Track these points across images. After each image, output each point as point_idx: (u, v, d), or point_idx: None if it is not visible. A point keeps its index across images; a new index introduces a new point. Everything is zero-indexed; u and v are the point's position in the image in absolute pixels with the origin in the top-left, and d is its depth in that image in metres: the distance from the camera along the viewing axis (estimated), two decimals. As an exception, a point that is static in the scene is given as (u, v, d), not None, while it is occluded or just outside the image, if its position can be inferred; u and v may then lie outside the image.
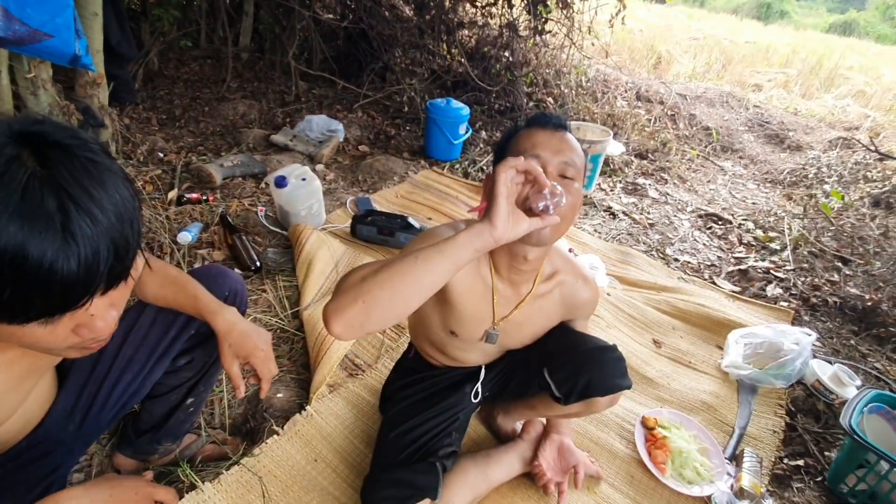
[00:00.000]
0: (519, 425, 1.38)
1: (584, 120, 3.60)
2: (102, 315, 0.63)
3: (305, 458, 1.23)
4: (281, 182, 2.02)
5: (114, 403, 0.92)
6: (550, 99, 3.77)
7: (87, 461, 1.21)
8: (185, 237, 1.87)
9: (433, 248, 0.76)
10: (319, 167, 2.75)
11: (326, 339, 1.52)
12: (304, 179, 2.08)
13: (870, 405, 1.36)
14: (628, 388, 1.08)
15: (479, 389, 1.20)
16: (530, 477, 1.28)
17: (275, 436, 1.26)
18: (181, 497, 1.07)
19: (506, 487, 1.25)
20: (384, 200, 2.53)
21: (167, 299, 0.95)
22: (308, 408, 1.34)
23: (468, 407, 1.22)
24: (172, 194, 2.17)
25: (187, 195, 2.18)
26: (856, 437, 1.21)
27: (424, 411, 1.16)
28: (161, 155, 2.57)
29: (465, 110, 2.97)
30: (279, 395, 1.40)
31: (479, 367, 1.22)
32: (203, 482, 1.11)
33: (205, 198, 2.20)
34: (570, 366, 1.07)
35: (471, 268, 1.03)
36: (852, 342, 1.97)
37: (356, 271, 0.80)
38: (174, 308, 0.95)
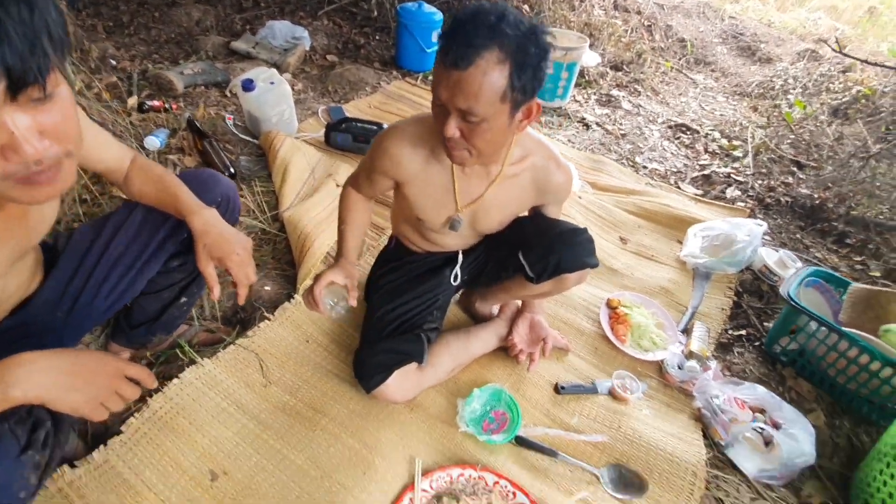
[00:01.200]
0: (495, 309, 1.49)
1: (560, 27, 3.49)
2: (27, 138, 0.56)
3: (298, 340, 1.32)
4: (248, 86, 1.94)
5: (104, 297, 0.94)
6: (527, 6, 3.61)
7: (81, 349, 1.26)
8: (153, 142, 1.81)
9: None
10: (287, 76, 2.62)
11: (309, 236, 1.55)
12: (272, 83, 2.00)
13: (807, 279, 1.52)
14: (595, 266, 1.18)
15: (458, 273, 1.28)
16: (506, 351, 1.42)
17: (266, 321, 1.33)
18: (181, 372, 1.14)
19: (484, 359, 1.38)
20: (357, 111, 2.47)
21: (150, 196, 0.95)
22: (296, 296, 1.40)
23: (448, 289, 1.30)
24: (132, 101, 2.06)
25: (149, 103, 2.07)
26: (792, 303, 1.37)
27: (407, 293, 1.24)
28: (114, 63, 2.40)
29: (439, 16, 2.83)
30: (266, 289, 1.46)
31: (457, 253, 1.29)
32: (202, 359, 1.18)
33: (167, 106, 2.10)
34: (543, 247, 1.15)
35: (424, 162, 1.06)
36: (798, 236, 2.14)
37: None
38: (157, 206, 0.95)
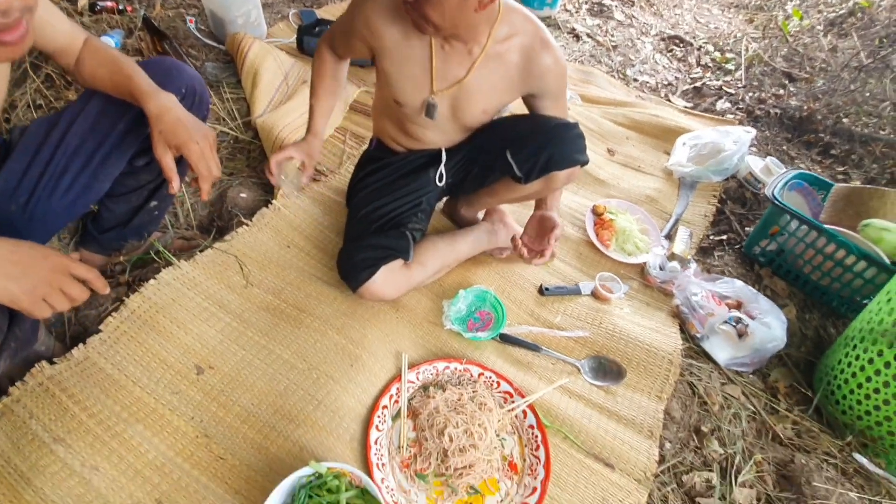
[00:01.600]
0: (481, 215, 1.47)
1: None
2: None
3: (278, 245, 1.28)
4: (208, -20, 1.75)
5: (63, 192, 0.88)
6: None
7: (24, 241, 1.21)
8: (108, 42, 1.65)
9: None
10: (251, -23, 2.38)
11: (284, 142, 1.47)
12: (234, -22, 1.81)
13: (791, 182, 1.52)
14: (585, 162, 1.14)
15: (443, 172, 1.23)
16: (490, 254, 1.42)
17: (244, 226, 1.28)
18: (158, 273, 1.11)
19: (470, 263, 1.37)
20: (330, 15, 2.28)
21: (104, 80, 0.87)
22: (274, 202, 1.35)
23: (433, 191, 1.26)
24: (83, 0, 1.86)
25: (101, 3, 1.87)
26: (776, 202, 1.38)
27: (390, 193, 1.19)
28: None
29: None
30: (243, 196, 1.40)
31: (440, 151, 1.23)
32: (179, 261, 1.14)
33: (122, 7, 1.90)
34: (532, 145, 1.10)
35: (403, 34, 1.00)
36: (784, 147, 2.13)
37: None
38: (112, 92, 0.87)
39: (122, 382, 0.96)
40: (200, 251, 1.19)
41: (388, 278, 1.15)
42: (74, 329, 1.09)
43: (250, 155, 1.56)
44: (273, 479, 0.85)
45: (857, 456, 1.09)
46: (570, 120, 1.12)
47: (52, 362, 0.95)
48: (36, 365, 0.93)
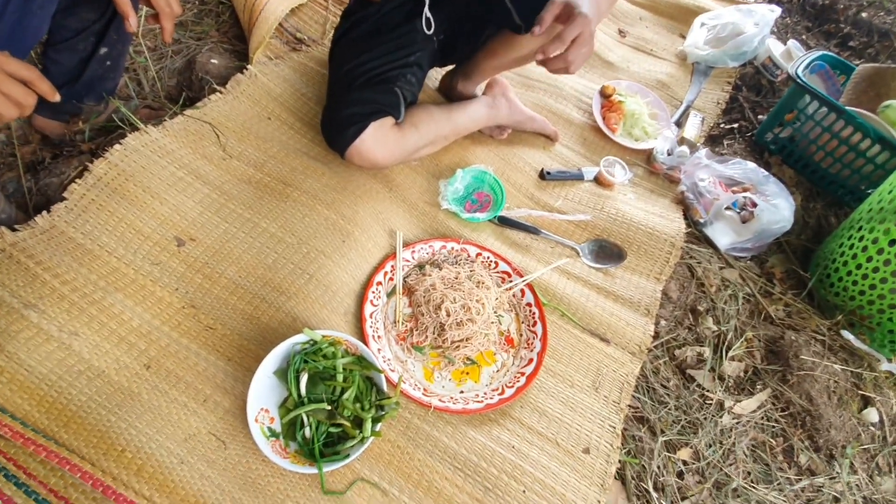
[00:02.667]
0: (479, 91, 1.34)
1: None
2: None
3: (258, 116, 1.16)
4: None
5: None
6: None
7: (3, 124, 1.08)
8: None
9: None
10: None
11: (257, 2, 1.29)
12: None
13: (813, 63, 1.41)
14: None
15: (429, 17, 1.06)
16: (490, 135, 1.32)
17: (217, 94, 1.15)
18: (123, 139, 0.99)
19: (467, 142, 1.28)
20: None
21: None
22: (251, 67, 1.20)
23: (423, 48, 1.09)
24: None
25: None
26: (799, 81, 1.28)
27: (375, 47, 1.04)
28: None
29: None
30: (214, 62, 1.24)
31: None
32: (147, 126, 1.02)
33: None
34: None
35: None
36: (804, 36, 1.98)
37: None
38: None
39: (95, 252, 0.88)
40: (170, 118, 1.07)
41: (379, 138, 1.03)
42: (36, 199, 0.99)
43: (220, 18, 1.37)
44: (266, 348, 0.83)
45: (845, 333, 1.12)
46: None
47: (13, 230, 0.87)
48: (-8, 229, 0.85)
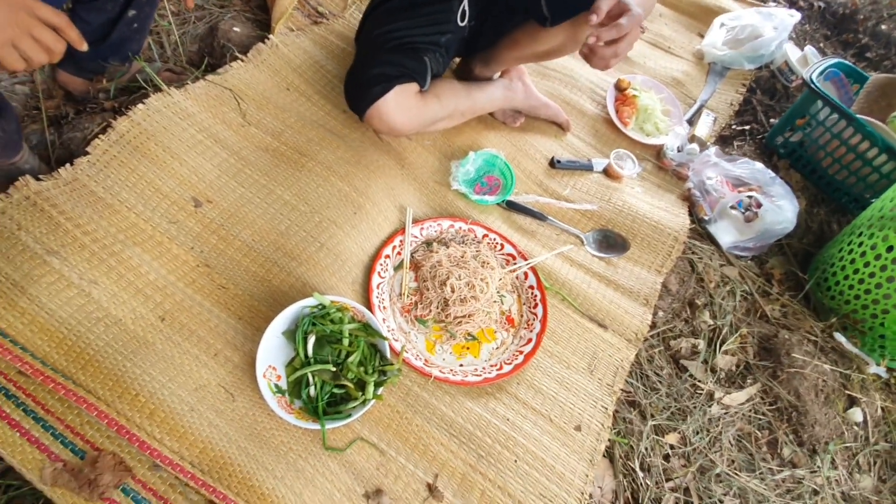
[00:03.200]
0: (496, 77, 1.35)
1: None
2: None
3: (277, 86, 1.18)
4: None
5: None
6: None
7: (28, 76, 1.10)
8: None
9: None
10: None
11: (282, -28, 1.30)
12: None
13: (828, 70, 1.42)
14: None
15: (466, 9, 1.09)
16: (503, 122, 1.34)
17: (238, 61, 1.16)
18: (146, 99, 1.01)
19: (480, 125, 1.30)
20: None
21: None
22: (272, 37, 1.22)
23: (453, 32, 1.10)
24: None
25: None
26: (812, 86, 1.29)
27: (409, 18, 1.05)
28: None
29: None
30: (236, 30, 1.25)
31: None
32: (170, 88, 1.04)
33: None
34: None
35: None
36: (821, 45, 1.98)
37: None
38: None
39: (115, 207, 0.91)
40: (192, 82, 1.09)
41: (402, 102, 1.04)
42: (59, 152, 1.02)
43: (243, -13, 1.38)
44: (276, 309, 0.86)
45: (837, 335, 1.15)
46: None
47: (38, 179, 0.89)
48: (20, 178, 0.87)
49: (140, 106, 0.99)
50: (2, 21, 0.58)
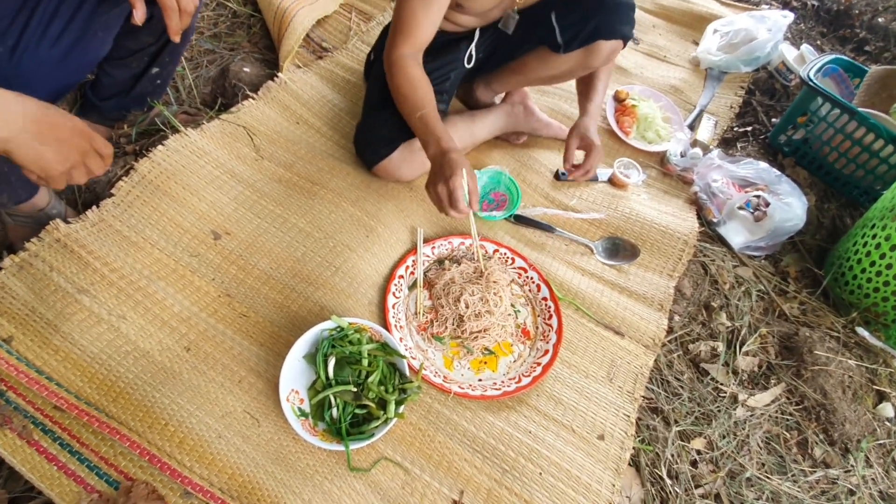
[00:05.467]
0: (497, 99, 1.39)
1: None
2: None
3: (287, 121, 1.23)
4: None
5: (53, 40, 0.80)
6: None
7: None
8: None
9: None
10: None
11: (287, 12, 1.37)
12: None
13: (826, 67, 1.43)
14: (629, 38, 1.07)
15: (473, 53, 1.14)
16: (506, 140, 1.37)
17: (250, 100, 1.22)
18: (165, 140, 1.06)
19: (484, 145, 1.33)
20: None
21: None
22: (281, 75, 1.27)
23: (459, 70, 1.17)
24: None
25: None
26: (811, 83, 1.30)
27: None
28: None
29: None
30: (246, 70, 1.32)
31: (474, 30, 1.13)
32: (186, 128, 1.10)
33: None
34: (581, 10, 1.03)
35: None
36: (818, 42, 1.99)
37: None
38: None
39: (140, 244, 0.95)
40: (207, 122, 1.14)
41: (406, 157, 1.11)
42: (85, 196, 1.07)
43: (251, 30, 1.46)
44: (296, 334, 0.88)
45: (860, 329, 1.13)
46: None
47: (67, 222, 0.94)
48: (50, 223, 0.92)
49: (160, 147, 1.05)
50: (72, 148, 0.63)
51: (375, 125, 1.09)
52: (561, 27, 1.04)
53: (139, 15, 0.79)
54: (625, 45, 1.09)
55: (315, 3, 1.46)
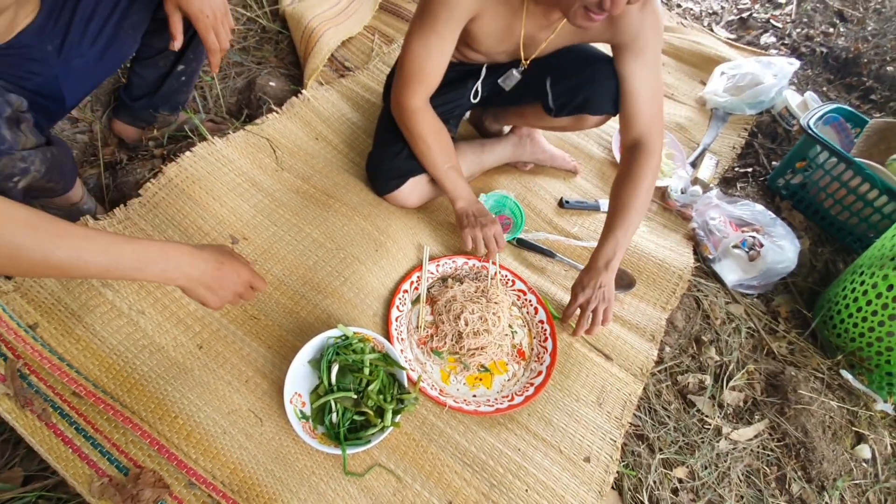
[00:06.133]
0: (506, 129, 1.46)
1: None
2: None
3: (308, 136, 1.29)
4: None
5: (93, 37, 0.88)
6: None
7: (87, 126, 1.23)
8: None
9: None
10: None
11: (314, 32, 1.44)
12: None
13: (827, 115, 1.49)
14: (614, 114, 1.12)
15: (479, 89, 1.20)
16: (513, 166, 1.43)
17: (274, 113, 1.29)
18: (192, 147, 1.13)
19: (491, 170, 1.39)
20: None
21: None
22: (304, 92, 1.34)
23: (465, 104, 1.24)
24: None
25: None
26: (810, 132, 1.36)
27: None
28: None
29: None
30: (271, 84, 1.39)
31: (482, 66, 1.20)
32: (213, 137, 1.16)
33: None
34: (573, 79, 1.08)
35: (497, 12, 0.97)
36: (824, 89, 2.05)
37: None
38: None
39: (161, 244, 1.01)
40: (233, 132, 1.21)
41: (415, 189, 1.18)
42: (113, 195, 1.13)
43: (278, 45, 1.53)
44: (303, 339, 0.93)
45: (844, 372, 1.16)
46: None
47: (95, 218, 1.00)
48: (80, 218, 0.98)
49: (187, 153, 1.11)
50: (230, 293, 0.78)
51: (386, 158, 1.16)
52: (553, 94, 1.11)
53: (177, 45, 0.90)
54: (614, 115, 1.13)
55: (341, 24, 1.54)
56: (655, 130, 1.06)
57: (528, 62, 1.09)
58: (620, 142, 1.14)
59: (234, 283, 0.79)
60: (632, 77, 1.02)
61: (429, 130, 1.08)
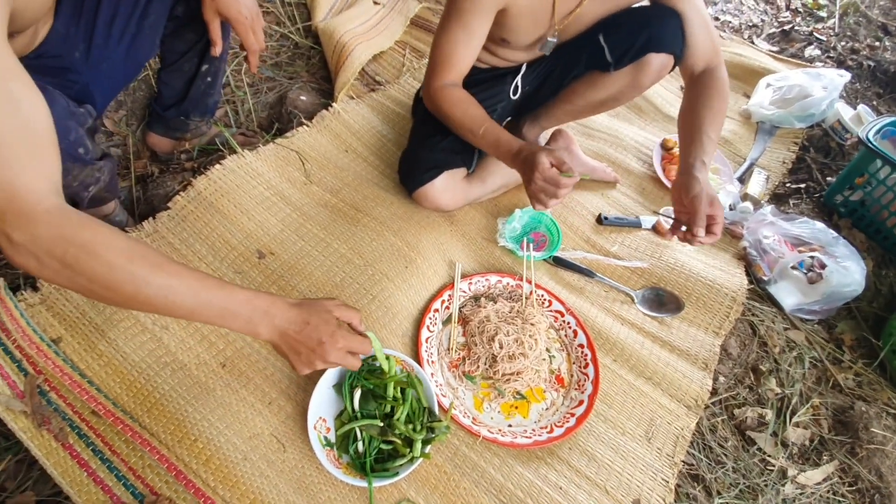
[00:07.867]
0: (542, 139, 1.40)
1: None
2: None
3: (337, 148, 1.27)
4: None
5: (118, 38, 0.88)
6: None
7: (121, 140, 1.23)
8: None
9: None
10: None
11: (346, 47, 1.43)
12: None
13: (885, 129, 1.38)
14: (680, 56, 1.05)
15: (518, 85, 1.16)
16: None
17: (304, 126, 1.27)
18: (222, 160, 1.11)
19: (527, 185, 1.33)
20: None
21: None
22: (335, 105, 1.32)
23: (506, 102, 1.19)
24: None
25: None
26: (869, 145, 1.26)
27: None
28: None
29: None
30: (302, 98, 1.37)
31: (521, 64, 1.16)
32: (243, 150, 1.15)
33: None
34: (629, 25, 1.03)
35: None
36: (875, 103, 1.94)
37: None
38: None
39: (188, 257, 0.98)
40: (263, 145, 1.19)
41: (448, 185, 1.12)
42: (143, 208, 1.12)
43: (310, 61, 1.53)
44: (329, 360, 0.87)
45: (925, 410, 1.04)
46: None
47: (125, 230, 0.98)
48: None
49: (217, 166, 1.09)
50: (314, 354, 0.71)
51: (420, 151, 1.11)
52: (610, 46, 1.04)
53: (218, 50, 0.91)
54: (675, 65, 1.06)
55: (372, 39, 1.53)
56: (719, 58, 1.06)
57: (560, 29, 1.04)
58: (684, 81, 1.12)
59: (321, 347, 0.70)
60: (684, 9, 1.01)
61: (456, 99, 1.03)
